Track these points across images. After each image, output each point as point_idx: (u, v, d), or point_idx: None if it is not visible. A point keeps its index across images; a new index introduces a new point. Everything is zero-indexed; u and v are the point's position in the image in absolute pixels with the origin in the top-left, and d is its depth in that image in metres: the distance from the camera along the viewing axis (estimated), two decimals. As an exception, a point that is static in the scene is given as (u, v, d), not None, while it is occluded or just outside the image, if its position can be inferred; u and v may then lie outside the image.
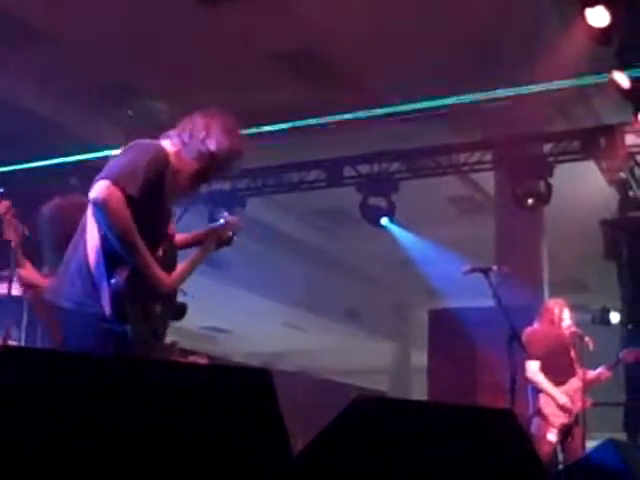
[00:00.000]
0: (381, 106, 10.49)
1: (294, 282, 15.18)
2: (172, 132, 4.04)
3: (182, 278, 4.04)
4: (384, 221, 11.13)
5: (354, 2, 9.01)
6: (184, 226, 11.84)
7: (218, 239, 4.33)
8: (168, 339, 10.72)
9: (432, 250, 11.87)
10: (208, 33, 9.39)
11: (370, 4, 8.97)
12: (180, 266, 4.06)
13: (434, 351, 10.29)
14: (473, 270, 6.18)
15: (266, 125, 10.48)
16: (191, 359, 9.14)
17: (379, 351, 18.27)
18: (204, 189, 11.84)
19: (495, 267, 6.22)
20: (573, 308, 8.80)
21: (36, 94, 10.36)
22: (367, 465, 2.42)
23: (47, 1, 8.91)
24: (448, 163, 11.28)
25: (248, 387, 2.10)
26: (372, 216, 11.14)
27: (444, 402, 2.76)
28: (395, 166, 11.31)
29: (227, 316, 16.43)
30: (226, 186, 11.73)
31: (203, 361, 9.12)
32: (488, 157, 11.12)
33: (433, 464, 2.48)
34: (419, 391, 11.84)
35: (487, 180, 12.23)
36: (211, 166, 4.01)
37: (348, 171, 11.46)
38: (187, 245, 4.28)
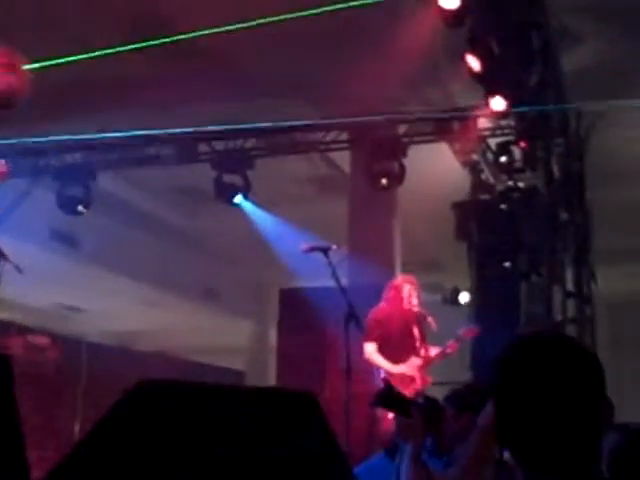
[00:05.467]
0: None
1: (150, 260, 14.87)
2: None
3: None
4: (239, 199, 10.99)
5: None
6: (32, 201, 11.41)
7: None
8: (6, 316, 10.29)
9: (287, 229, 11.79)
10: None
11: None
12: None
13: (284, 330, 10.24)
14: (312, 249, 6.11)
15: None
16: (30, 338, 8.83)
17: (238, 330, 18.15)
18: (52, 162, 11.48)
19: (334, 246, 6.14)
20: (427, 288, 8.86)
21: None
22: (154, 451, 2.28)
23: None
24: (305, 141, 11.23)
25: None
26: (226, 194, 10.99)
27: (241, 385, 2.65)
28: (251, 143, 11.18)
29: (81, 294, 15.94)
30: (77, 158, 11.35)
31: (44, 341, 8.82)
32: (344, 136, 11.14)
33: (225, 449, 2.37)
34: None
35: (344, 159, 12.22)
36: None
37: (203, 147, 11.26)
38: None
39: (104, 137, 10.65)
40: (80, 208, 11.34)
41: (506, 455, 2.28)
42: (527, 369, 1.83)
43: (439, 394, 5.35)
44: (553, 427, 1.78)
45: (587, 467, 1.81)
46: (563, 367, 1.82)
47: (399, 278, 8.07)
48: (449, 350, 7.49)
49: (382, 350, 7.20)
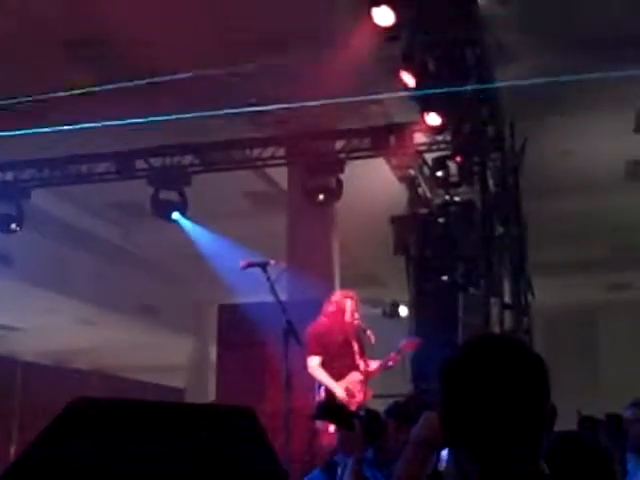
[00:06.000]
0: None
1: (87, 277, 14.69)
2: None
3: None
4: (175, 215, 10.93)
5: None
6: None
7: None
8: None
9: (225, 245, 11.74)
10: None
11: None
12: None
13: (223, 346, 10.15)
14: (250, 265, 6.07)
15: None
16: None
17: (177, 347, 18.00)
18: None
19: (273, 261, 6.11)
20: (367, 302, 8.82)
21: None
22: (90, 472, 2.24)
23: None
24: (241, 157, 11.20)
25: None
26: (163, 210, 10.91)
27: (179, 402, 2.62)
28: (188, 159, 11.12)
29: (16, 313, 15.65)
30: (8, 176, 11.17)
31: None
32: (281, 152, 11.12)
33: (164, 466, 2.33)
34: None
35: (282, 175, 12.22)
36: None
37: (140, 163, 11.17)
38: None
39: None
40: (13, 226, 11.17)
41: (440, 466, 2.29)
42: (477, 368, 1.87)
43: (380, 407, 5.34)
44: (503, 423, 1.82)
45: (537, 461, 1.87)
46: (512, 365, 1.87)
47: (339, 293, 7.99)
48: (391, 363, 7.44)
49: (323, 364, 7.13)
